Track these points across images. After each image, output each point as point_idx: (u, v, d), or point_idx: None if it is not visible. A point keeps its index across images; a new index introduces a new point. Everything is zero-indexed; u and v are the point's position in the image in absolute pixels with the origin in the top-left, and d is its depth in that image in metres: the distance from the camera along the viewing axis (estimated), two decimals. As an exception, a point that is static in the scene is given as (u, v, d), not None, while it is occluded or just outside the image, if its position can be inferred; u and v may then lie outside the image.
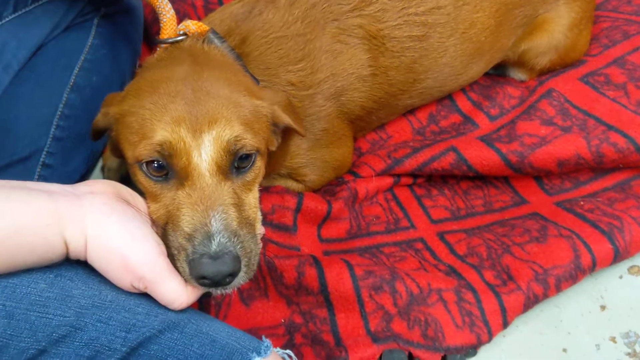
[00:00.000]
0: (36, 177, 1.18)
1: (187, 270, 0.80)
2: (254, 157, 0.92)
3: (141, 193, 0.91)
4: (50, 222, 0.71)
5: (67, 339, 0.71)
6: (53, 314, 0.71)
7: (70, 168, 1.25)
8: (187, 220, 0.83)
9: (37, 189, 0.74)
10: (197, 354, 0.76)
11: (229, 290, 0.85)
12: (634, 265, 1.26)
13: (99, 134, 1.03)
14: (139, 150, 0.87)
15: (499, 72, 1.57)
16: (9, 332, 0.69)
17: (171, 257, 0.82)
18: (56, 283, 0.74)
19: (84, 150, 1.30)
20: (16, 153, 1.18)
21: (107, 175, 1.35)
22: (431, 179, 1.41)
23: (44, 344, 0.70)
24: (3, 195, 0.70)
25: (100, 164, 1.40)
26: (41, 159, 1.21)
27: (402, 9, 1.25)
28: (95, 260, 0.74)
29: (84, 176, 1.31)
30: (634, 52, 1.45)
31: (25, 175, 1.17)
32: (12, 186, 0.73)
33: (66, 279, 0.75)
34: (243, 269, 0.83)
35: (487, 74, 1.55)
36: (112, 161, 1.33)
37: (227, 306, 1.11)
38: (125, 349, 0.73)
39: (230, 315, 1.10)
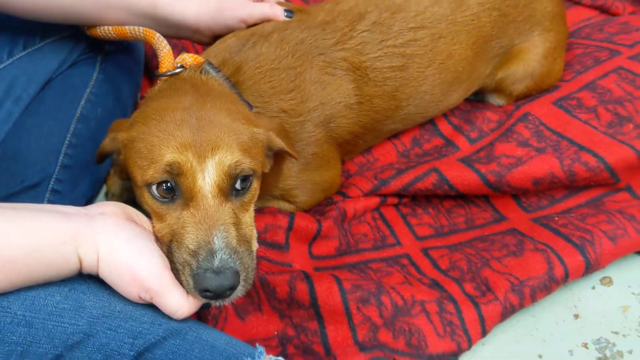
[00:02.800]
0: (45, 202, 1.26)
1: (191, 283, 0.88)
2: (251, 179, 1.00)
3: (146, 214, 0.99)
4: (66, 240, 0.79)
5: (81, 345, 0.79)
6: (68, 323, 0.79)
7: (77, 194, 1.33)
8: (192, 238, 0.91)
9: (54, 211, 0.82)
10: (197, 358, 0.83)
11: (227, 302, 0.92)
12: (606, 277, 1.32)
13: (104, 157, 1.11)
14: (149, 173, 0.94)
15: (478, 98, 1.65)
16: (29, 339, 0.77)
17: (175, 271, 0.89)
18: (70, 295, 0.81)
19: (89, 177, 1.37)
20: (27, 180, 1.25)
21: (110, 200, 1.42)
22: (416, 198, 1.47)
23: (60, 349, 0.78)
24: (26, 217, 0.78)
25: (104, 190, 1.47)
26: (50, 185, 1.28)
27: (381, 41, 1.34)
28: (106, 274, 0.82)
29: (89, 201, 1.38)
30: (604, 77, 1.53)
31: (35, 200, 1.24)
32: (33, 208, 0.82)
33: (79, 292, 0.82)
34: (241, 282, 0.91)
35: (467, 100, 1.63)
36: (115, 188, 1.40)
37: (224, 320, 1.17)
38: (132, 353, 0.80)
39: (227, 328, 1.16)
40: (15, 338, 0.76)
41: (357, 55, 1.33)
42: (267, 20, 1.35)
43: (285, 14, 1.35)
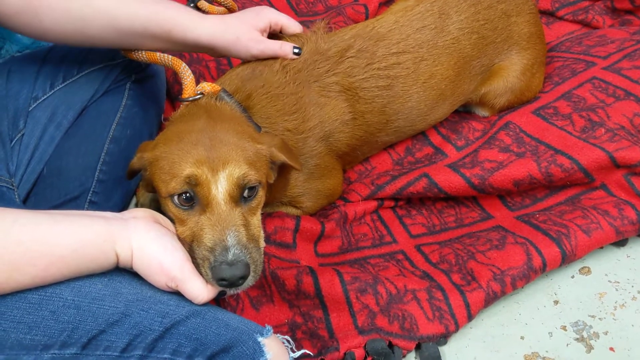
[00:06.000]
0: None
1: (210, 274, 1.03)
2: (257, 188, 1.15)
3: (171, 220, 1.14)
4: (106, 239, 0.95)
5: (119, 323, 0.93)
6: (108, 306, 0.94)
7: (111, 204, 1.46)
8: (209, 238, 1.06)
9: (95, 216, 0.98)
10: (214, 333, 0.97)
11: (240, 290, 1.07)
12: (585, 267, 1.43)
13: (134, 173, 1.26)
14: (171, 185, 1.10)
15: (467, 110, 1.78)
16: (77, 319, 0.92)
17: (196, 265, 1.04)
18: (109, 284, 0.96)
19: (121, 190, 1.51)
20: (69, 193, 1.40)
21: (140, 209, 1.58)
22: (411, 201, 1.59)
23: (103, 326, 0.93)
24: (72, 221, 0.94)
25: (134, 201, 1.61)
26: (88, 198, 1.42)
27: (367, 65, 1.48)
28: (139, 266, 0.98)
29: (121, 210, 1.47)
30: (579, 86, 1.65)
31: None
32: (77, 214, 0.98)
33: (116, 281, 0.97)
34: (251, 273, 1.06)
35: (455, 111, 1.75)
36: (144, 199, 1.55)
37: (241, 311, 1.31)
38: (161, 329, 0.94)
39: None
40: (67, 317, 0.92)
41: (347, 77, 1.46)
42: (278, 57, 1.45)
43: (294, 50, 1.45)
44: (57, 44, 1.39)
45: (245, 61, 1.48)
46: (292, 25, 1.51)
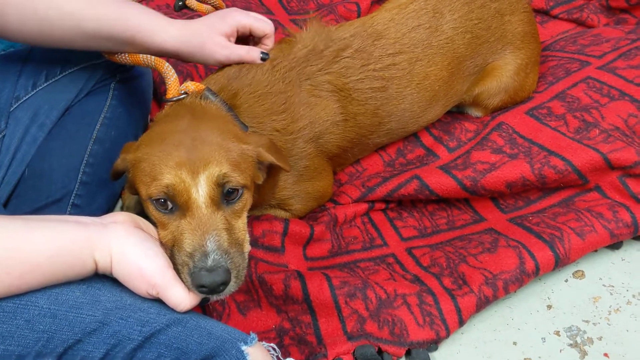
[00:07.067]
0: (67, 215, 1.39)
1: (189, 280, 1.00)
2: (240, 190, 1.12)
3: (153, 223, 1.11)
4: (84, 245, 0.91)
5: (97, 332, 0.90)
6: (86, 314, 0.90)
7: (94, 207, 1.43)
8: (189, 243, 1.03)
9: (73, 221, 0.95)
10: (196, 342, 0.93)
11: (223, 296, 1.04)
12: (578, 270, 1.41)
13: (118, 175, 1.24)
14: (151, 190, 1.07)
15: (459, 110, 1.76)
16: (53, 328, 0.89)
17: (177, 271, 1.00)
18: (88, 291, 0.93)
19: (106, 192, 1.48)
20: (51, 196, 1.37)
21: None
22: (402, 203, 1.57)
23: (79, 335, 0.89)
24: (48, 227, 0.91)
25: (119, 204, 1.58)
26: (71, 200, 1.40)
27: (362, 66, 1.45)
28: (118, 273, 0.94)
29: (106, 214, 1.49)
30: (573, 86, 1.63)
31: (58, 214, 1.32)
32: (54, 219, 0.95)
33: (95, 288, 0.94)
34: (233, 279, 1.03)
35: (448, 112, 1.72)
36: (129, 201, 1.52)
37: (227, 316, 1.29)
38: (140, 338, 0.91)
39: (230, 323, 1.26)
40: (42, 327, 0.88)
41: (341, 77, 1.44)
42: (245, 63, 1.41)
43: (261, 56, 1.41)
44: (18, 43, 1.36)
45: None
46: (260, 26, 1.45)
